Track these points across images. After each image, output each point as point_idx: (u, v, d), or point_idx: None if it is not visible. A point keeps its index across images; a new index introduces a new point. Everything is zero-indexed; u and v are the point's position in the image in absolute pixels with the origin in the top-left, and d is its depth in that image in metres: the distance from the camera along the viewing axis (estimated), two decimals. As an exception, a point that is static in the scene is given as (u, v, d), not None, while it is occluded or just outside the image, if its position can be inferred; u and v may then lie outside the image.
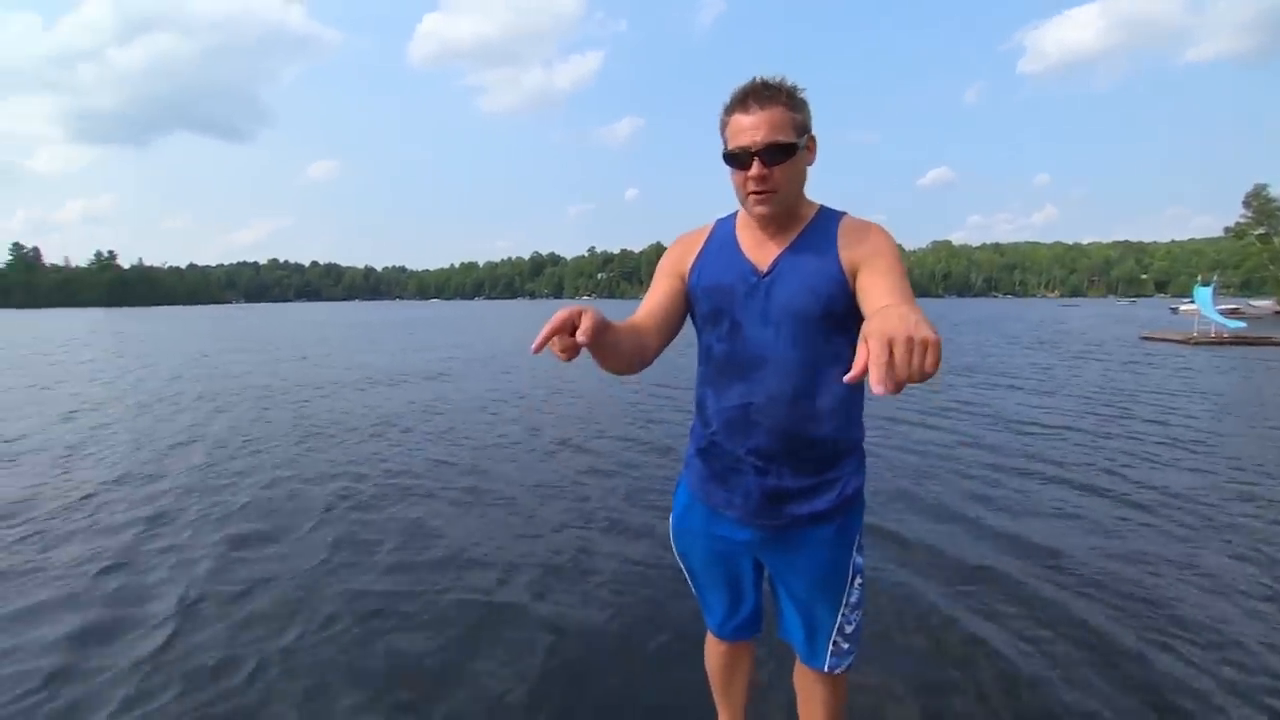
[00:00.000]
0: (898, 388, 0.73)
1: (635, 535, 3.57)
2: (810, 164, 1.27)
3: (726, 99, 1.24)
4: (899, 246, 1.25)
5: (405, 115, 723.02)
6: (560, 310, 0.96)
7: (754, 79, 1.21)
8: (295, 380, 10.80)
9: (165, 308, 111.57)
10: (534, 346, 0.93)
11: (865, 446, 1.38)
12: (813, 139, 1.25)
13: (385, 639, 2.52)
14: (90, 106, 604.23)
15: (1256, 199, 46.68)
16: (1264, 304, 41.59)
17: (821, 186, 1.31)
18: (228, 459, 5.42)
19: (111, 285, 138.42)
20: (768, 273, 1.26)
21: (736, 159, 1.21)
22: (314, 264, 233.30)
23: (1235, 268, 55.44)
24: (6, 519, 3.93)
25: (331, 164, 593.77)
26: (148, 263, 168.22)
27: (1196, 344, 17.29)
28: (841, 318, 1.22)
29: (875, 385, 0.72)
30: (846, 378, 0.78)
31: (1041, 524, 3.72)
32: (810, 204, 1.32)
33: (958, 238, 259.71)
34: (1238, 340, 17.17)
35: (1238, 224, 48.89)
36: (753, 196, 1.22)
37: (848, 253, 1.22)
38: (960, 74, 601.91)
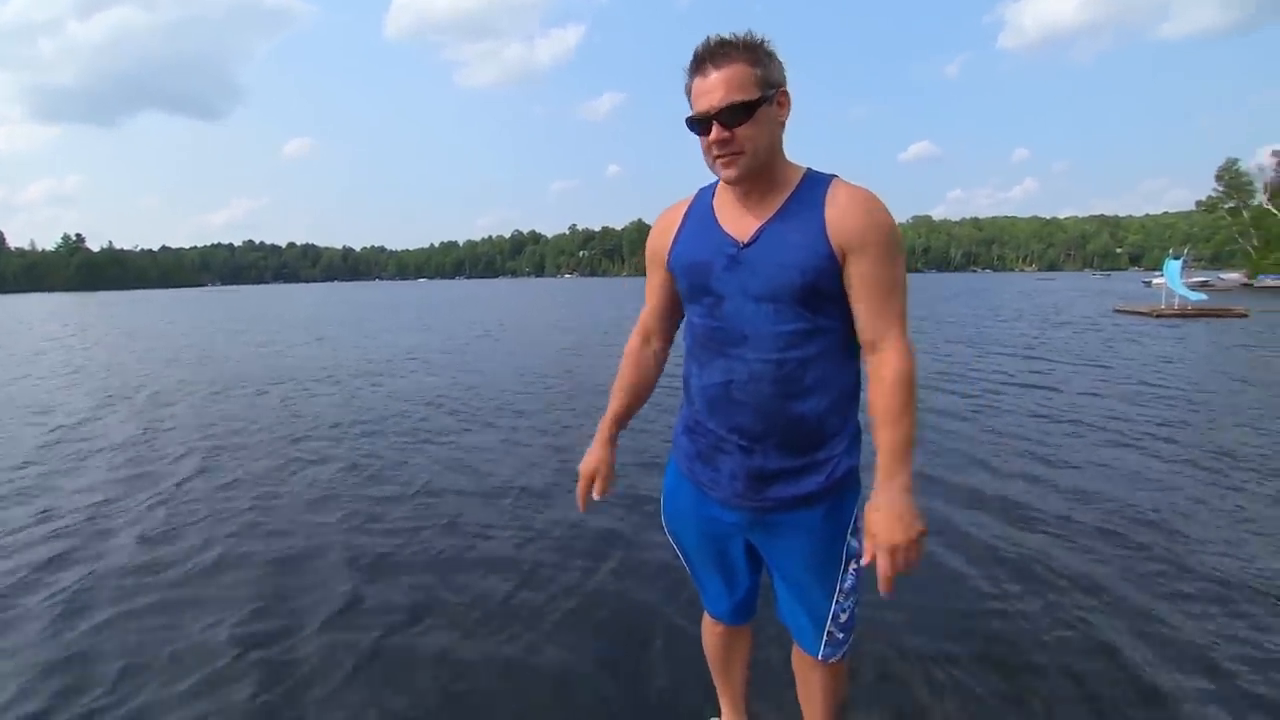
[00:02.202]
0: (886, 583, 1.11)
1: (633, 512, 3.55)
2: (782, 120, 1.18)
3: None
4: (892, 222, 1.17)
5: (383, 91, 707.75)
6: (584, 481, 1.41)
7: (709, 38, 1.14)
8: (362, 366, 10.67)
9: (138, 291, 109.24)
10: (581, 508, 1.44)
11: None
12: (784, 94, 1.17)
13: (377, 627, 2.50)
14: (52, 83, 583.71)
15: (1228, 173, 47.41)
16: (1232, 276, 42.41)
17: (804, 161, 1.25)
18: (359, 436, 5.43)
19: (80, 269, 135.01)
20: (749, 244, 1.19)
21: (698, 124, 1.15)
22: (291, 245, 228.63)
23: (1206, 241, 56.54)
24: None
25: (307, 142, 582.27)
26: (118, 245, 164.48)
27: (1160, 316, 17.79)
28: (828, 293, 1.17)
29: (882, 587, 1.10)
30: (864, 562, 1.15)
31: (1028, 484, 3.89)
32: (795, 167, 1.23)
33: (938, 212, 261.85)
34: (1200, 312, 17.67)
35: (1209, 198, 49.71)
36: (719, 160, 1.16)
37: (838, 231, 1.14)
38: (943, 47, 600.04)
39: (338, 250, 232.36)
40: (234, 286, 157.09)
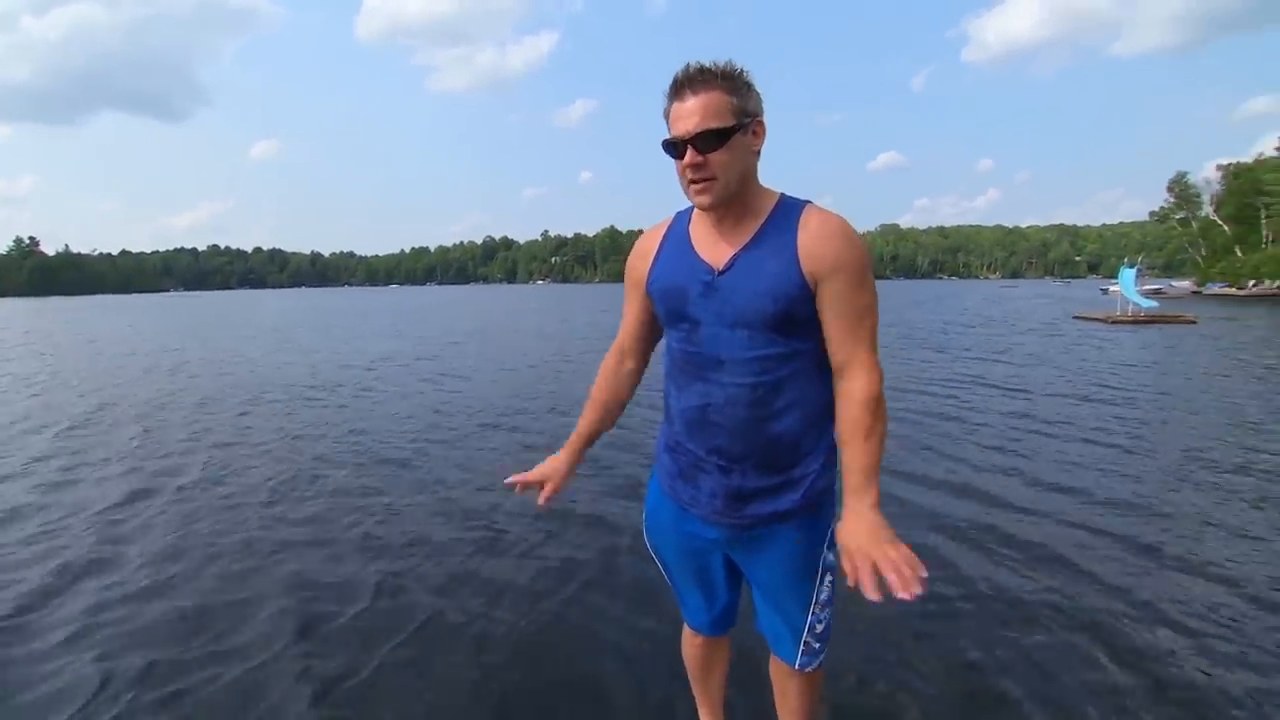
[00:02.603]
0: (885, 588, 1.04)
1: (614, 528, 3.49)
2: (756, 149, 1.21)
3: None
4: (863, 249, 1.20)
5: (353, 95, 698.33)
6: (535, 474, 1.45)
7: (689, 65, 1.17)
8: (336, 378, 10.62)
9: (95, 297, 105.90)
10: (514, 484, 1.45)
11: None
12: (760, 123, 1.20)
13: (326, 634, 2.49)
14: (3, 80, 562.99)
15: (1178, 185, 49.63)
16: (1183, 284, 44.44)
17: (776, 171, 1.31)
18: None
19: (34, 273, 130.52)
20: (723, 271, 1.22)
21: (674, 147, 1.18)
22: (257, 249, 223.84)
23: (1159, 250, 58.81)
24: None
25: (274, 145, 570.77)
26: (75, 249, 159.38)
27: (1115, 322, 18.78)
28: (801, 318, 1.20)
29: (871, 595, 1.03)
30: (850, 582, 1.09)
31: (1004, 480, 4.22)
32: (768, 193, 1.26)
33: (905, 221, 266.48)
34: (1151, 319, 18.64)
35: (1161, 209, 51.91)
36: (692, 186, 1.18)
37: (809, 257, 1.17)
38: (909, 60, 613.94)
39: (305, 255, 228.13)
40: (197, 292, 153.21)
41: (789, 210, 1.23)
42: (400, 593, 2.82)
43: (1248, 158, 45.71)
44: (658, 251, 1.34)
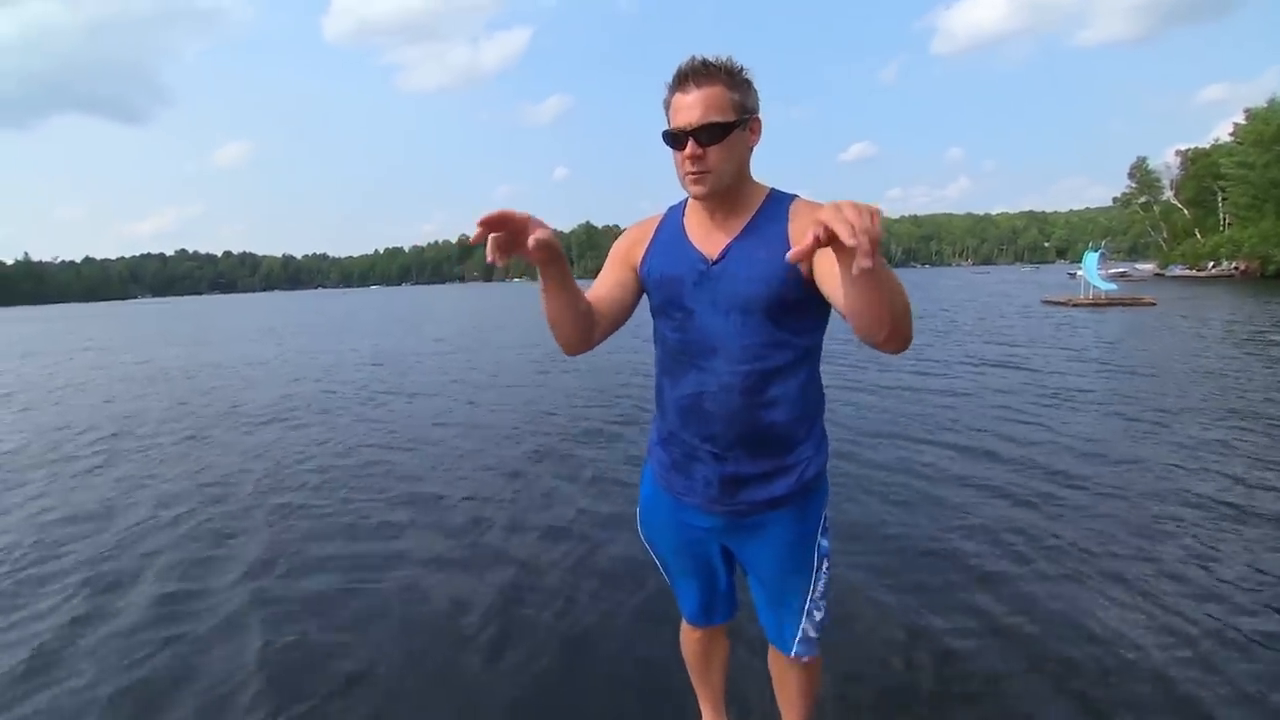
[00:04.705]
0: (858, 236, 0.80)
1: (607, 523, 3.54)
2: (752, 145, 1.26)
3: (669, 78, 1.22)
4: None
5: (322, 95, 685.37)
6: (514, 210, 1.03)
7: (693, 58, 1.19)
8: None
9: (58, 306, 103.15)
10: (474, 237, 0.99)
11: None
12: (757, 120, 1.24)
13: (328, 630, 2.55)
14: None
15: (1139, 170, 51.03)
16: (1146, 267, 45.81)
17: (753, 160, 1.28)
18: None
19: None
20: (717, 260, 1.26)
21: (674, 139, 1.20)
22: (227, 254, 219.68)
23: (1124, 234, 60.37)
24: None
25: (242, 147, 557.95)
26: (35, 257, 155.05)
27: (1076, 305, 19.53)
28: (792, 306, 1.23)
29: (847, 238, 0.80)
30: (789, 255, 0.88)
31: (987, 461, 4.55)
32: (759, 187, 1.30)
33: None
34: (1112, 301, 19.38)
35: (1124, 194, 53.33)
36: (689, 176, 1.21)
37: (799, 242, 1.06)
38: (879, 52, 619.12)
39: (277, 259, 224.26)
40: (166, 299, 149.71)
41: (779, 202, 1.28)
42: (394, 579, 2.99)
43: (1205, 143, 47.28)
44: (652, 242, 1.37)
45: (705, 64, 1.18)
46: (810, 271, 1.19)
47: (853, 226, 0.81)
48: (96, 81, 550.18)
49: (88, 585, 3.02)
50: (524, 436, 5.61)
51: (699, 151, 1.17)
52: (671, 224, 1.36)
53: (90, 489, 4.57)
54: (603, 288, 1.38)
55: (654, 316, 1.39)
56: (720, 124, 1.17)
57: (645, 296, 1.40)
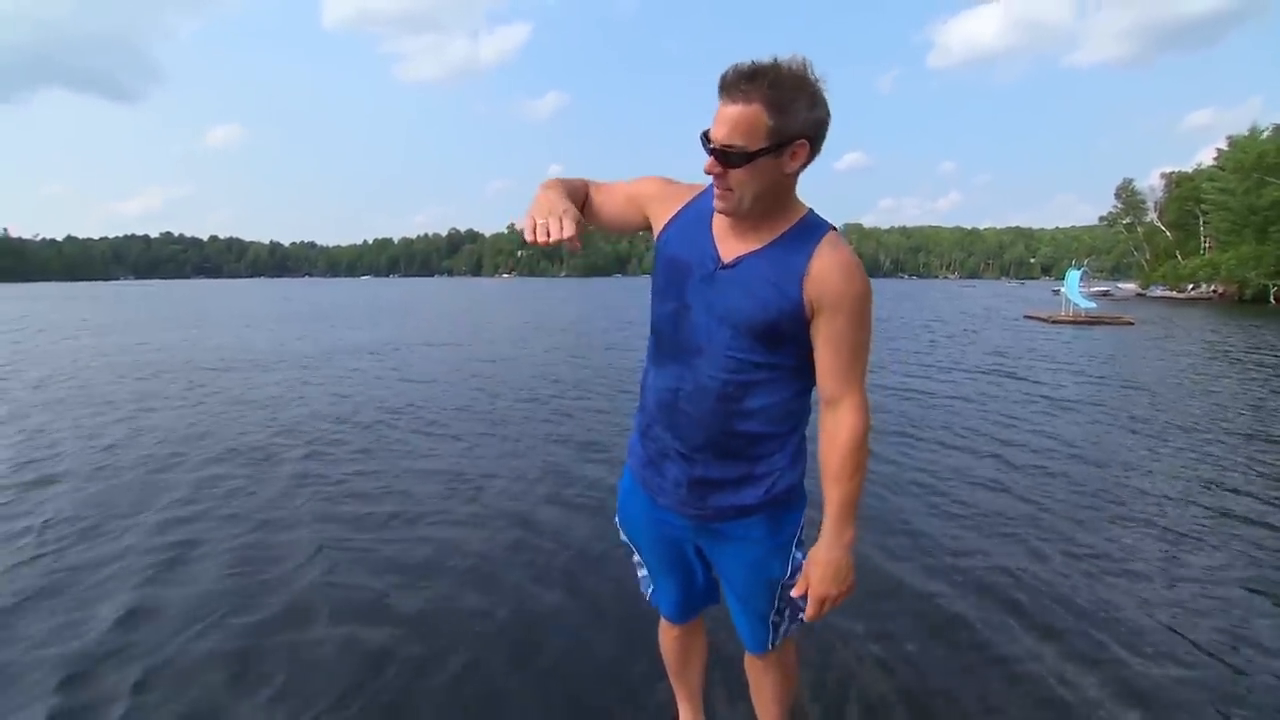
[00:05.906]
0: (815, 617, 1.28)
1: (589, 515, 3.59)
2: (791, 170, 1.14)
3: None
4: (868, 289, 1.18)
5: (318, 81, 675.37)
6: (546, 219, 1.13)
7: (738, 66, 1.07)
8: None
9: (38, 284, 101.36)
10: (536, 239, 1.13)
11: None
12: (801, 146, 1.11)
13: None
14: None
15: (1125, 191, 51.88)
16: (1129, 286, 46.67)
17: None
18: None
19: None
20: (728, 265, 1.21)
21: (705, 142, 1.13)
22: (213, 238, 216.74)
23: (1108, 253, 61.24)
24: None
25: (233, 129, 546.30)
26: (15, 234, 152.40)
27: (1057, 322, 19.95)
28: (784, 336, 1.20)
29: (808, 618, 1.29)
30: (793, 591, 1.31)
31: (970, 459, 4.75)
32: (797, 208, 1.22)
33: (869, 220, 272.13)
34: (1091, 320, 19.82)
35: (1110, 213, 54.24)
36: (714, 187, 1.17)
37: (815, 284, 1.16)
38: (876, 63, 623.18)
39: (265, 245, 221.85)
40: (150, 281, 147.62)
41: (812, 230, 1.20)
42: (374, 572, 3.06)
43: (1189, 167, 48.19)
44: (679, 214, 1.31)
45: (752, 74, 1.06)
46: (810, 316, 1.18)
47: (817, 613, 1.27)
48: (85, 56, 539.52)
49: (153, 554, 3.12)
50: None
51: (718, 170, 1.12)
52: (703, 205, 1.28)
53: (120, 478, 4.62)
54: (613, 204, 1.38)
55: (653, 295, 1.34)
56: (742, 151, 1.08)
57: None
